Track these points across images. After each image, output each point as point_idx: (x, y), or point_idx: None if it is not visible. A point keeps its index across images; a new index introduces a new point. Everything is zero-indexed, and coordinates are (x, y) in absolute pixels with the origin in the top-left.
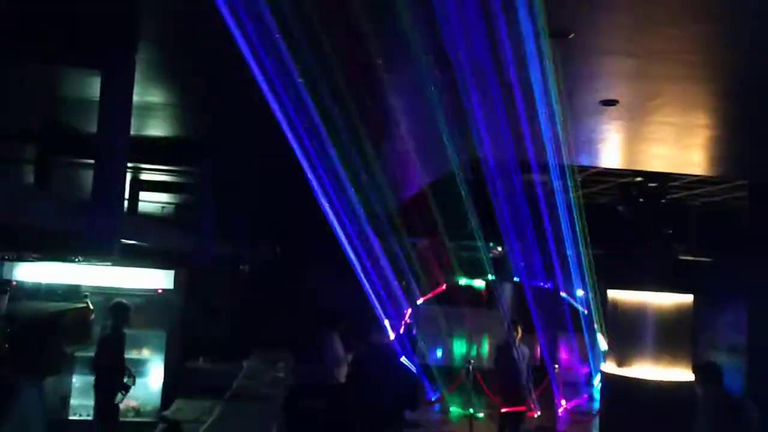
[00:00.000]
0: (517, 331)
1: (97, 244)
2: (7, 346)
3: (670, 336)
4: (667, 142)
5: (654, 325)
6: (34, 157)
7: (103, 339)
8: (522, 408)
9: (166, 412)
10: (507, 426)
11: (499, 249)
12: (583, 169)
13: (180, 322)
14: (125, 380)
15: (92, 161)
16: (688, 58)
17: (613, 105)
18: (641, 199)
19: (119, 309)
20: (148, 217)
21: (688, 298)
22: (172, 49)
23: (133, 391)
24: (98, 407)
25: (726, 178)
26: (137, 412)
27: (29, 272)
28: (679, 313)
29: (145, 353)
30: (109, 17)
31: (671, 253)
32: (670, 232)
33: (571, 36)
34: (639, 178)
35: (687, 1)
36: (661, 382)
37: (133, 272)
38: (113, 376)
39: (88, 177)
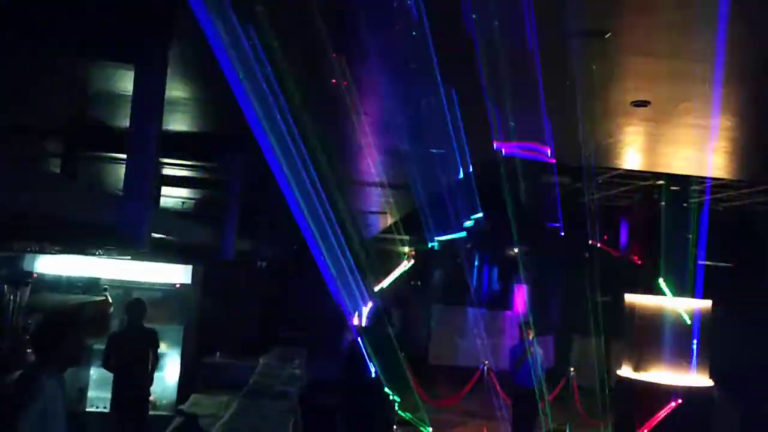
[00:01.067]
0: (529, 333)
1: (128, 237)
2: (28, 337)
3: (688, 342)
4: (693, 144)
5: (672, 330)
6: (62, 151)
7: (114, 336)
8: (535, 410)
9: (183, 406)
10: (520, 427)
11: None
12: (605, 170)
13: (197, 317)
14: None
15: (119, 155)
16: (721, 60)
17: (645, 106)
18: (662, 203)
19: (136, 306)
20: (171, 212)
21: (706, 304)
22: (203, 43)
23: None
24: (114, 402)
25: (749, 182)
26: (153, 405)
27: (50, 265)
28: (699, 318)
29: (162, 347)
30: (144, 10)
31: (691, 257)
32: (689, 236)
33: (607, 35)
34: (661, 182)
35: (724, 3)
36: (678, 387)
37: (152, 266)
38: (127, 373)
39: (114, 172)
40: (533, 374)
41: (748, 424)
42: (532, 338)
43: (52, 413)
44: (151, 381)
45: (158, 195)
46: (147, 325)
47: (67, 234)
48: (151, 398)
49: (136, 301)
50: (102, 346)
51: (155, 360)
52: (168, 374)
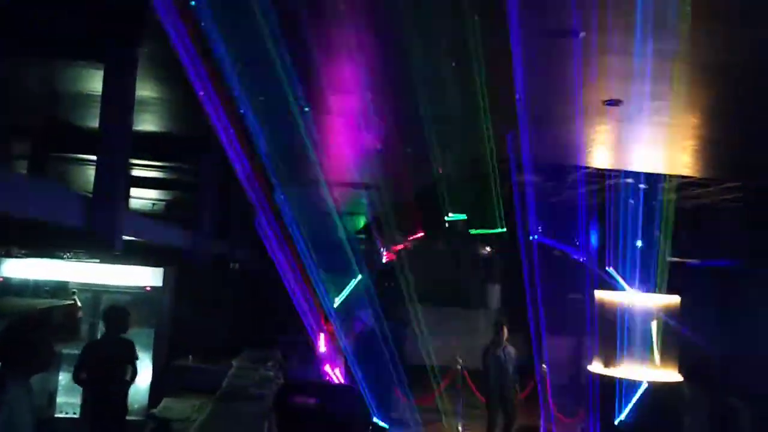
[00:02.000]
0: (503, 332)
1: (100, 239)
2: None
3: (657, 337)
4: (663, 143)
5: (640, 326)
6: (29, 152)
7: (89, 348)
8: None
9: (155, 411)
10: (495, 427)
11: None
12: (576, 169)
13: (169, 320)
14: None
15: (88, 156)
16: (693, 59)
17: (617, 105)
18: (631, 201)
19: (114, 314)
20: (142, 214)
21: (675, 299)
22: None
23: None
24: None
25: (718, 180)
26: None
27: (16, 268)
28: (667, 313)
29: None
30: (113, 10)
31: (660, 254)
32: (658, 233)
33: (582, 35)
34: (629, 180)
35: (697, 2)
36: (647, 381)
37: (122, 269)
38: (100, 388)
39: (83, 173)
40: (506, 372)
41: (716, 418)
42: (506, 337)
43: (19, 420)
44: (126, 396)
45: (128, 197)
46: (124, 335)
47: (36, 237)
48: None
49: (114, 309)
50: (72, 351)
51: (134, 373)
52: (139, 378)
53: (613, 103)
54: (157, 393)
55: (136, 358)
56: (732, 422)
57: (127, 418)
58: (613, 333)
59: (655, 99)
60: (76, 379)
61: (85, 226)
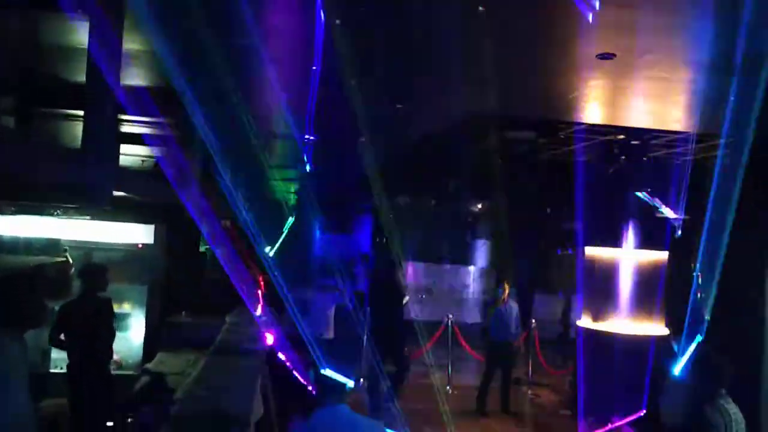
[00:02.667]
0: (506, 288)
1: (89, 194)
2: None
3: (645, 292)
4: (655, 97)
5: (629, 281)
6: (15, 108)
7: (65, 308)
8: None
9: (149, 365)
10: (491, 379)
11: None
12: (567, 125)
13: (161, 277)
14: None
15: (76, 112)
16: (683, 8)
17: (610, 58)
18: (623, 157)
19: (93, 273)
20: (132, 169)
21: (663, 255)
22: None
23: (115, 344)
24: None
25: (708, 135)
26: (119, 365)
27: (6, 226)
28: (655, 269)
29: (126, 307)
30: None
31: (648, 210)
32: (649, 190)
33: None
34: (621, 136)
35: None
36: (636, 336)
37: (113, 226)
38: (80, 350)
39: (71, 129)
40: (508, 327)
41: (700, 369)
42: (509, 293)
43: (14, 375)
44: (110, 356)
45: (118, 153)
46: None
47: (26, 192)
48: (116, 358)
49: (92, 267)
50: None
51: (111, 335)
52: (133, 334)
53: (606, 56)
54: (151, 348)
55: (114, 317)
56: (715, 376)
57: (122, 372)
58: (602, 288)
59: (649, 53)
60: (53, 341)
61: (74, 181)
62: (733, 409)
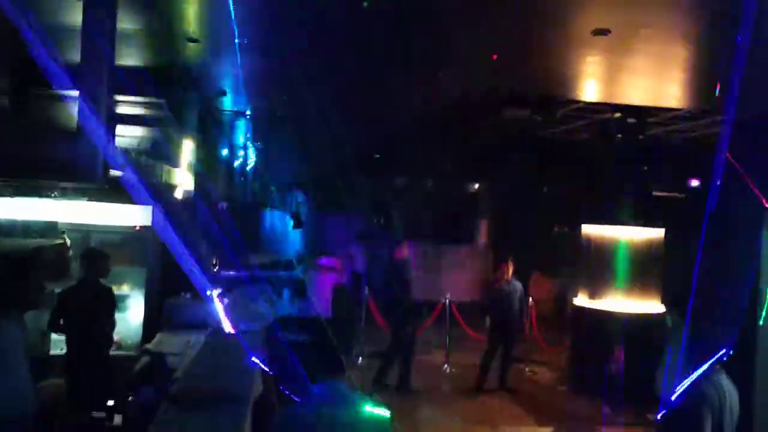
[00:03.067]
0: (509, 266)
1: (84, 171)
2: None
3: (641, 270)
4: (651, 74)
5: (626, 259)
6: (9, 88)
7: (65, 294)
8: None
9: (149, 346)
10: (493, 357)
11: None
12: (565, 104)
13: (160, 259)
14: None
15: (71, 92)
16: None
17: (606, 35)
18: (619, 135)
19: (92, 258)
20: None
21: (659, 233)
22: None
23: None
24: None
25: (704, 112)
26: (119, 345)
27: (4, 209)
28: (651, 247)
29: (125, 289)
30: None
31: (646, 188)
32: (646, 168)
33: None
34: (618, 114)
35: None
36: (632, 314)
37: (110, 208)
38: (80, 337)
39: (66, 109)
40: (512, 305)
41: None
42: (511, 271)
43: (14, 355)
44: (109, 343)
45: (113, 134)
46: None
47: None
48: (116, 339)
49: (92, 252)
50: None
51: (112, 325)
52: (132, 315)
53: (602, 32)
54: (150, 329)
55: (115, 306)
56: (710, 348)
57: (122, 353)
58: (599, 266)
59: (644, 28)
60: (52, 326)
61: (68, 160)
62: (726, 382)
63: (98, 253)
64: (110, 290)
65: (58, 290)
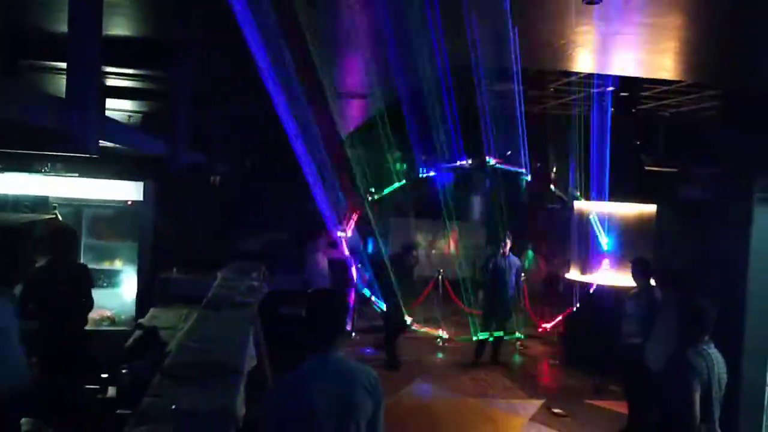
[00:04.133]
0: (506, 243)
1: (74, 142)
2: None
3: (632, 245)
4: (644, 45)
5: (617, 233)
6: None
7: (35, 276)
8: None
9: (142, 320)
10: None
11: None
12: (556, 78)
13: (152, 234)
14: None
15: (59, 64)
16: None
17: (598, 3)
18: (612, 109)
19: (62, 235)
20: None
21: (651, 208)
22: None
23: (107, 301)
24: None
25: (697, 86)
26: (112, 321)
27: None
28: (642, 222)
29: (118, 264)
30: None
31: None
32: (638, 143)
33: None
34: (611, 88)
35: None
36: (622, 287)
37: (102, 183)
38: (54, 324)
39: (54, 82)
40: (507, 280)
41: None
42: (509, 246)
43: (8, 333)
44: (84, 322)
45: (103, 108)
46: (98, 241)
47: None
48: (109, 314)
49: (61, 229)
50: None
51: (90, 304)
52: (125, 290)
53: (593, 1)
54: (143, 304)
55: (92, 285)
56: (699, 320)
57: (115, 328)
58: (590, 241)
59: None
60: (24, 312)
61: (59, 128)
62: (714, 353)
63: (64, 227)
64: (84, 267)
65: None
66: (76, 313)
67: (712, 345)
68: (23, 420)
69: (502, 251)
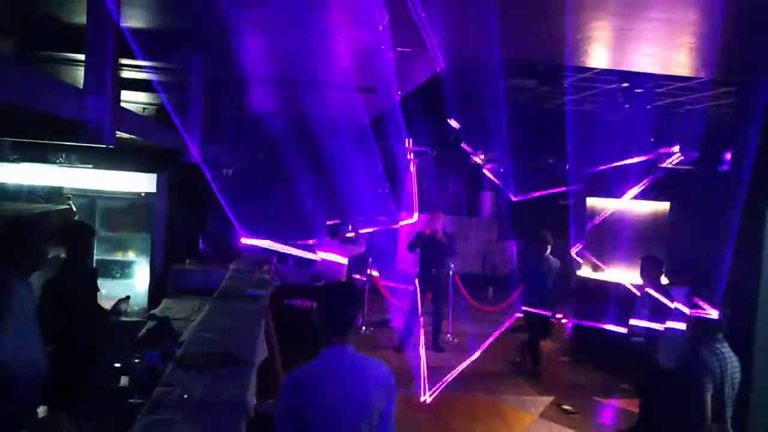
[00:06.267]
0: (546, 243)
1: (92, 131)
2: None
3: (645, 243)
4: (659, 40)
5: (630, 231)
6: (13, 52)
7: (51, 284)
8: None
9: (155, 311)
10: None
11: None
12: (570, 73)
13: (164, 226)
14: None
15: (76, 56)
16: None
17: None
18: (627, 106)
19: (79, 234)
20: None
21: (664, 206)
22: None
23: (120, 291)
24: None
25: (713, 82)
26: (125, 312)
27: (11, 174)
28: (656, 220)
29: (131, 256)
30: None
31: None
32: (651, 140)
33: None
34: (625, 84)
35: None
36: (633, 284)
37: (115, 175)
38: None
39: (71, 73)
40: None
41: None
42: (549, 250)
43: (26, 316)
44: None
45: (119, 99)
46: (111, 233)
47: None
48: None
49: (78, 226)
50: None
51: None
52: (138, 282)
53: None
54: (156, 295)
55: (97, 290)
56: (711, 319)
57: (128, 319)
58: (603, 239)
59: None
60: (48, 321)
61: (76, 118)
62: (728, 351)
63: (88, 228)
64: (96, 270)
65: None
66: (93, 324)
67: (726, 344)
68: (39, 408)
69: (540, 253)
